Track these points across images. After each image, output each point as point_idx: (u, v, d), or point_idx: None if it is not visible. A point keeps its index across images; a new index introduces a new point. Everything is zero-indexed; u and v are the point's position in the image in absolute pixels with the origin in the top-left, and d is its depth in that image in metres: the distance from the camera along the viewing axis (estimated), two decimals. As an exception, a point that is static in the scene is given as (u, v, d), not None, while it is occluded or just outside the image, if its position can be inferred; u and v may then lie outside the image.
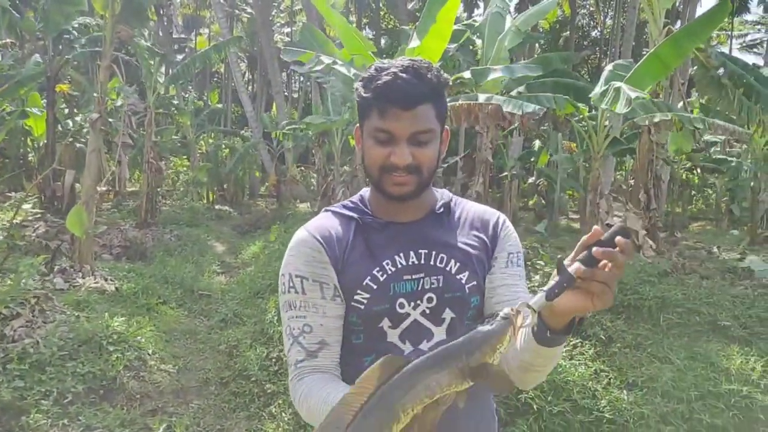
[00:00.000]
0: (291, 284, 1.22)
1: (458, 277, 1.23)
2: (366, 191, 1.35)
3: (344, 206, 1.32)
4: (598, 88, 5.78)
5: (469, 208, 1.34)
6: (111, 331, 4.37)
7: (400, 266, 1.22)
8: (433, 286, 1.21)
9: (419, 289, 1.21)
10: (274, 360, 4.40)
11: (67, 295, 5.30)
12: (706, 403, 3.75)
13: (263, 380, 4.16)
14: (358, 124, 1.27)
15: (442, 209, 1.30)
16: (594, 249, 0.92)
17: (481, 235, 1.29)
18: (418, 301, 1.21)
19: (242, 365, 4.36)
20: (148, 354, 4.34)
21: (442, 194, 1.35)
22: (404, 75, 1.16)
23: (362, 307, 1.21)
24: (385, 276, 1.21)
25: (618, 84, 5.21)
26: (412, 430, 0.91)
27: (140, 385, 4.01)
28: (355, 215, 1.28)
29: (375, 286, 1.20)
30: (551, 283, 0.96)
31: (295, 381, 1.21)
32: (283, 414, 3.71)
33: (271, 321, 5.05)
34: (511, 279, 1.27)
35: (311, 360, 1.20)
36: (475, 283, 1.24)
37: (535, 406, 3.54)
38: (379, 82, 1.17)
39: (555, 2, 7.51)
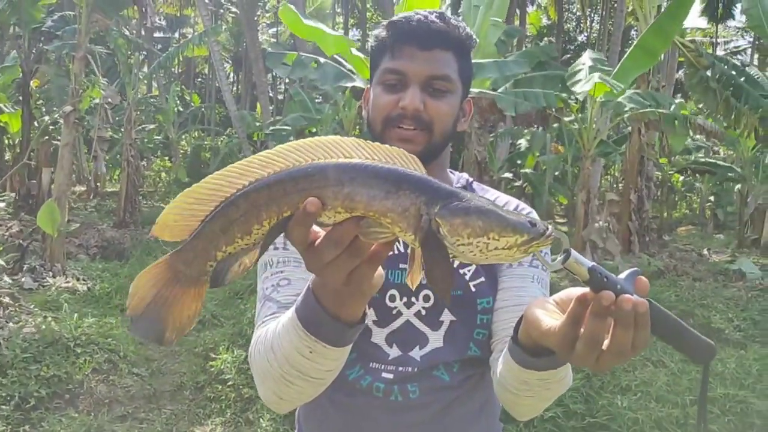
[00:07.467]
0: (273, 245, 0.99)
1: (461, 272, 1.03)
2: None
3: None
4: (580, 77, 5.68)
5: (489, 197, 1.14)
6: (80, 333, 4.16)
7: (396, 252, 1.01)
8: None
9: None
10: (252, 363, 4.21)
11: (35, 294, 5.07)
12: (702, 408, 3.64)
13: (240, 384, 3.96)
14: (368, 86, 1.09)
15: None
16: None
17: None
18: (413, 299, 1.02)
19: (219, 369, 4.15)
20: (119, 356, 4.13)
21: (459, 178, 1.16)
22: (428, 14, 1.01)
23: None
24: None
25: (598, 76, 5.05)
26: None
27: (109, 390, 3.80)
28: None
29: None
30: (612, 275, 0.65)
31: (256, 333, 0.95)
32: (261, 420, 3.52)
33: (250, 322, 4.85)
34: (516, 281, 1.05)
35: (284, 311, 0.91)
36: (482, 279, 1.04)
37: (525, 412, 3.39)
38: (399, 19, 1.01)
39: None
